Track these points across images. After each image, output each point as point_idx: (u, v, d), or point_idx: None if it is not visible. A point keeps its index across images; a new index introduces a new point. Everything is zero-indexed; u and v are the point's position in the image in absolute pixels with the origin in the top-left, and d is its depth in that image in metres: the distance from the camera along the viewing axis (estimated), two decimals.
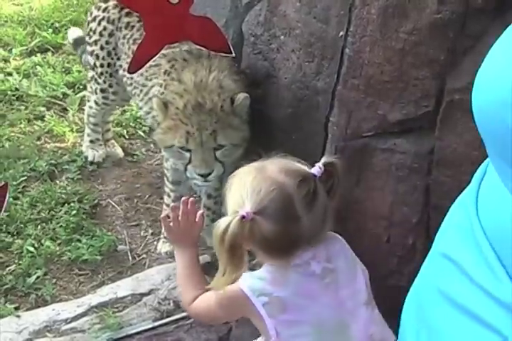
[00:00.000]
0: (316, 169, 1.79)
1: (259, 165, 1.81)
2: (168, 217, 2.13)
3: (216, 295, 1.85)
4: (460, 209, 1.22)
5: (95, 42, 3.18)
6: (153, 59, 2.57)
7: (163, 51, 2.61)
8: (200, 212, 2.09)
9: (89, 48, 3.26)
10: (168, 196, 3.06)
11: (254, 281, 1.78)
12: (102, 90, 3.30)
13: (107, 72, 3.22)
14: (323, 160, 1.83)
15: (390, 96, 2.19)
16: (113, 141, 3.64)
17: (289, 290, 1.78)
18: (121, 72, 3.15)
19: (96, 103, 3.38)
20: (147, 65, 2.60)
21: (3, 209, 2.31)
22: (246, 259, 1.76)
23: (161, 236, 3.11)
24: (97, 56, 3.20)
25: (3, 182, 2.56)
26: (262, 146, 2.72)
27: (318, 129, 2.45)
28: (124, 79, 3.12)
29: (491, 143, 1.04)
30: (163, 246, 3.09)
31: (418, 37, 2.07)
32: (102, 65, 3.21)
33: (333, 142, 2.39)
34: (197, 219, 2.06)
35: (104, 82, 3.26)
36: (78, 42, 3.61)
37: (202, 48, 2.59)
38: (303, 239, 1.76)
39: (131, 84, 3.06)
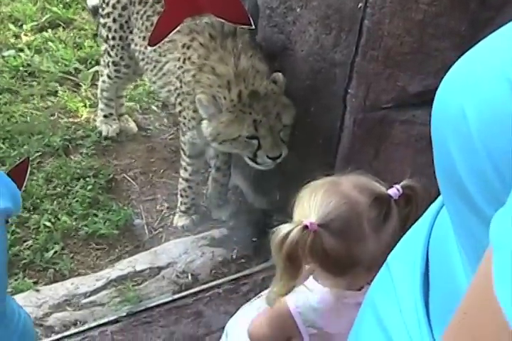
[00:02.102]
0: (393, 190, 1.64)
1: (334, 179, 1.69)
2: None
3: (268, 313, 1.77)
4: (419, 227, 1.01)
5: (108, 14, 3.16)
6: None
7: (178, 27, 2.60)
8: None
9: (101, 20, 3.24)
10: (185, 170, 3.06)
11: (307, 310, 1.69)
12: (114, 63, 3.29)
13: (118, 44, 3.20)
14: (403, 182, 1.67)
15: (409, 67, 2.18)
16: (127, 115, 3.64)
17: (340, 327, 1.64)
18: (132, 46, 3.13)
19: (109, 76, 3.37)
20: None
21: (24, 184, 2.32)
22: (303, 271, 1.63)
23: (177, 209, 3.12)
24: (110, 28, 3.18)
25: (20, 158, 2.57)
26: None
27: (335, 102, 2.45)
28: (136, 53, 3.11)
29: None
30: (179, 220, 3.10)
31: (439, 8, 2.06)
32: (114, 38, 3.19)
33: (352, 114, 2.39)
34: None
35: (116, 55, 3.25)
36: (97, 9, 3.45)
37: (222, 20, 2.58)
38: (363, 262, 1.61)
39: (143, 59, 3.04)
